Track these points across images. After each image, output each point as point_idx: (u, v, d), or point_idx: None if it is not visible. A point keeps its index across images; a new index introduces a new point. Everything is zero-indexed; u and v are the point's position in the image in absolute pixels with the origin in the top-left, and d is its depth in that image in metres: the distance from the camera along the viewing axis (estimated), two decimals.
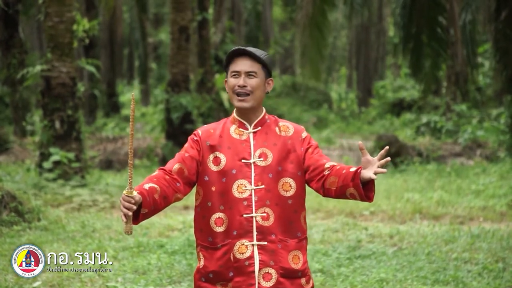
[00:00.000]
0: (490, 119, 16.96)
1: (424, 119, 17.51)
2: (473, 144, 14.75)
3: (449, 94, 17.86)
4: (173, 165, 3.11)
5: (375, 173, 2.86)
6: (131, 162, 2.88)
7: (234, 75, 3.11)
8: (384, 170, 2.87)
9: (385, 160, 2.88)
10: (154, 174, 3.09)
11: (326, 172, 3.05)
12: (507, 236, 7.18)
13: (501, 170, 11.77)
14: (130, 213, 2.87)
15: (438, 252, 6.62)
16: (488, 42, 19.59)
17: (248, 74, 3.10)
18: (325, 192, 3.07)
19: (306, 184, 3.16)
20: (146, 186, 2.97)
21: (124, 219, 2.88)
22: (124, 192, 2.86)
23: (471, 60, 16.85)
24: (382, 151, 2.89)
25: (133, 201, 2.86)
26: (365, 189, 2.93)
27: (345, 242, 7.18)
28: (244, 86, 3.09)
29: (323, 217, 8.81)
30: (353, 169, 2.95)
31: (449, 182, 11.06)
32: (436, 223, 8.17)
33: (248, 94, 3.10)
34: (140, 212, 2.95)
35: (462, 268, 6.04)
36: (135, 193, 2.87)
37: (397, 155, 13.73)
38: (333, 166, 3.05)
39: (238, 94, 3.10)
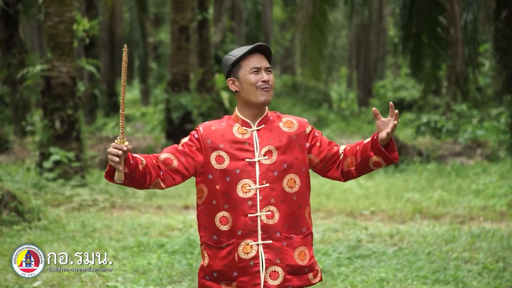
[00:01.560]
0: (490, 119, 16.95)
1: (424, 118, 17.50)
2: (473, 143, 14.74)
3: (449, 94, 17.86)
4: (162, 154, 3.10)
5: (391, 129, 2.91)
6: (122, 112, 2.89)
7: (255, 71, 3.09)
8: (396, 122, 2.90)
9: (395, 113, 2.91)
10: (144, 155, 3.09)
11: (341, 158, 3.10)
12: (507, 235, 7.17)
13: (501, 169, 11.77)
14: (120, 160, 2.85)
15: (438, 251, 6.61)
16: (488, 42, 19.59)
17: (267, 70, 3.12)
18: (345, 176, 3.11)
19: (320, 174, 3.17)
20: (134, 155, 2.97)
21: (120, 168, 2.87)
22: (116, 140, 2.86)
23: (473, 59, 16.84)
24: (390, 108, 2.92)
25: (125, 149, 2.85)
26: (387, 151, 2.98)
27: (345, 241, 7.18)
28: (268, 80, 3.10)
29: (323, 217, 8.81)
30: (367, 140, 3.01)
31: (449, 182, 11.05)
32: (436, 223, 8.17)
33: (270, 88, 3.12)
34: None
35: (462, 267, 6.03)
36: (126, 143, 2.87)
37: None
38: (345, 149, 3.12)
39: (264, 89, 3.09)
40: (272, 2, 32.55)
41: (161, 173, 3.04)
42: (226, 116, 3.23)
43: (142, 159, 2.98)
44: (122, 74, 2.87)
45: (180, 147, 3.10)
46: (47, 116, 10.64)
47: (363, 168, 3.04)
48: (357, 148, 3.02)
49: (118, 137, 2.88)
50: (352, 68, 37.37)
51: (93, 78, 21.54)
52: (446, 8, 14.49)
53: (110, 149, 2.84)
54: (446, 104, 17.87)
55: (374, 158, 2.98)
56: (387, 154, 2.96)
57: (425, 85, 15.12)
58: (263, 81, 3.08)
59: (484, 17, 19.24)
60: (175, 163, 3.06)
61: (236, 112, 3.18)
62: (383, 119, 2.96)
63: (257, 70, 3.09)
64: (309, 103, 27.16)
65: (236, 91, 3.14)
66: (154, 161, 3.04)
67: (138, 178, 2.96)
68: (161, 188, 3.08)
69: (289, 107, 25.34)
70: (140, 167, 2.95)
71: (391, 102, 2.94)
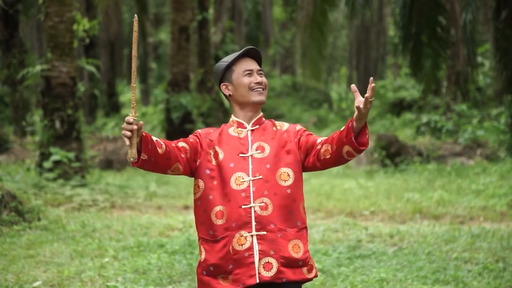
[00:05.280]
0: (490, 119, 16.96)
1: (424, 119, 17.51)
2: (473, 144, 14.75)
3: (449, 94, 17.85)
4: (178, 142, 3.16)
5: (364, 105, 2.85)
6: (134, 85, 2.89)
7: (248, 73, 3.20)
8: (369, 95, 2.84)
9: (370, 87, 2.84)
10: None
11: (318, 146, 3.11)
12: (507, 235, 7.17)
13: (501, 170, 11.77)
14: (133, 136, 2.85)
15: (438, 251, 6.61)
16: (488, 42, 19.59)
17: (259, 72, 3.23)
18: (322, 164, 3.11)
19: (304, 167, 3.19)
20: (153, 138, 2.99)
21: (128, 143, 2.86)
22: (129, 114, 2.86)
23: (472, 60, 16.85)
24: (370, 84, 2.87)
25: (135, 127, 2.84)
26: (357, 140, 2.94)
27: (345, 241, 7.18)
28: (261, 82, 3.21)
29: (323, 217, 8.81)
30: (343, 127, 2.99)
31: (449, 182, 11.05)
32: (436, 223, 8.17)
33: (265, 89, 3.23)
34: (140, 156, 2.94)
35: (463, 267, 6.03)
36: (138, 119, 2.88)
37: (397, 154, 13.73)
38: (323, 139, 3.13)
39: (257, 90, 3.20)
40: (272, 2, 32.56)
41: (182, 155, 3.11)
42: (223, 124, 3.35)
43: (162, 144, 3.02)
44: (133, 44, 2.88)
45: (190, 139, 3.20)
46: (47, 116, 10.63)
47: (337, 156, 3.04)
48: (334, 136, 3.04)
49: (131, 112, 2.88)
50: (352, 68, 37.38)
51: (93, 78, 21.55)
52: (446, 8, 14.50)
53: (126, 127, 2.85)
54: (446, 104, 17.87)
55: (347, 147, 2.98)
56: (355, 145, 2.94)
57: (425, 85, 15.13)
58: (256, 82, 3.20)
59: (484, 17, 19.23)
60: (188, 152, 3.15)
61: (232, 117, 3.30)
62: (360, 98, 2.92)
63: (250, 73, 3.22)
64: (309, 103, 27.18)
65: (230, 95, 3.26)
66: (173, 145, 3.10)
67: (157, 162, 3.00)
68: (179, 173, 3.13)
69: (289, 107, 25.36)
70: (160, 151, 2.99)
71: (371, 78, 2.92)
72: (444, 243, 6.97)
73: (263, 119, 3.29)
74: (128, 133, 2.85)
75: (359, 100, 2.91)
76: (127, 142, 2.87)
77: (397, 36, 21.88)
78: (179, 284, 5.64)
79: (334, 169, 13.51)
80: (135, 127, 2.85)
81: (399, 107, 23.48)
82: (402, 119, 21.46)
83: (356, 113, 2.91)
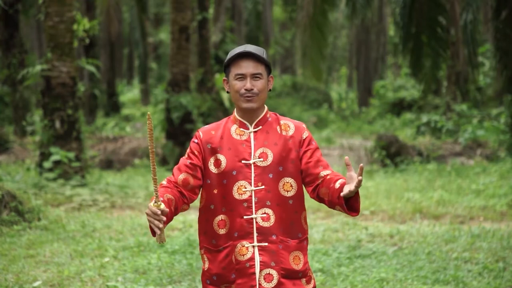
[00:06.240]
0: (490, 118, 16.96)
1: (424, 118, 17.51)
2: (473, 143, 14.75)
3: (450, 93, 17.86)
4: (179, 175, 3.08)
5: (355, 187, 2.83)
6: (155, 177, 2.82)
7: (240, 77, 3.06)
8: (360, 180, 2.81)
9: (358, 179, 2.82)
10: (165, 183, 3.04)
11: (319, 182, 3.05)
12: (507, 235, 7.17)
13: (501, 169, 11.77)
14: (162, 225, 2.82)
15: (438, 251, 6.62)
16: (488, 42, 19.60)
17: (254, 76, 3.06)
18: (319, 200, 3.09)
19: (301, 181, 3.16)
20: (165, 198, 2.93)
21: (158, 232, 2.83)
22: (152, 204, 2.81)
23: (472, 60, 16.86)
24: (359, 170, 2.83)
25: (164, 218, 2.83)
26: (349, 203, 2.93)
27: (345, 241, 7.18)
28: (251, 89, 3.06)
29: (323, 217, 8.81)
30: (338, 185, 2.93)
31: (449, 182, 11.05)
32: (436, 223, 8.17)
33: (255, 96, 3.07)
34: None
35: (463, 267, 6.03)
36: (162, 206, 2.83)
37: (397, 154, 13.73)
38: (325, 176, 3.05)
39: (246, 97, 3.06)
40: (272, 2, 32.55)
41: (184, 197, 3.06)
42: (226, 118, 3.23)
43: (172, 198, 2.97)
44: (149, 141, 2.80)
45: (188, 161, 3.09)
46: (47, 116, 10.63)
47: (332, 206, 3.02)
48: (331, 186, 2.98)
49: (154, 201, 2.82)
50: (352, 68, 37.40)
51: (93, 78, 21.54)
52: (446, 8, 14.50)
53: (149, 213, 2.80)
54: (446, 104, 17.88)
55: (338, 207, 2.97)
56: (347, 211, 2.93)
57: (425, 85, 15.12)
58: (246, 89, 3.06)
59: (484, 17, 19.24)
60: (191, 180, 3.07)
61: (234, 113, 3.18)
62: (352, 174, 2.89)
63: (242, 77, 3.07)
64: (309, 103, 27.17)
65: (228, 92, 3.16)
66: (176, 189, 3.04)
67: (170, 219, 2.97)
68: (186, 210, 3.12)
69: (289, 107, 25.34)
70: (172, 208, 2.96)
71: (361, 165, 2.85)
72: (444, 243, 6.97)
73: (268, 115, 3.17)
74: (160, 224, 2.81)
75: (350, 177, 2.87)
76: (158, 231, 2.83)
77: (397, 36, 21.88)
78: (179, 284, 5.64)
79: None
80: (164, 218, 2.82)
81: (399, 107, 23.49)
82: (402, 119, 21.46)
83: (345, 189, 2.87)
